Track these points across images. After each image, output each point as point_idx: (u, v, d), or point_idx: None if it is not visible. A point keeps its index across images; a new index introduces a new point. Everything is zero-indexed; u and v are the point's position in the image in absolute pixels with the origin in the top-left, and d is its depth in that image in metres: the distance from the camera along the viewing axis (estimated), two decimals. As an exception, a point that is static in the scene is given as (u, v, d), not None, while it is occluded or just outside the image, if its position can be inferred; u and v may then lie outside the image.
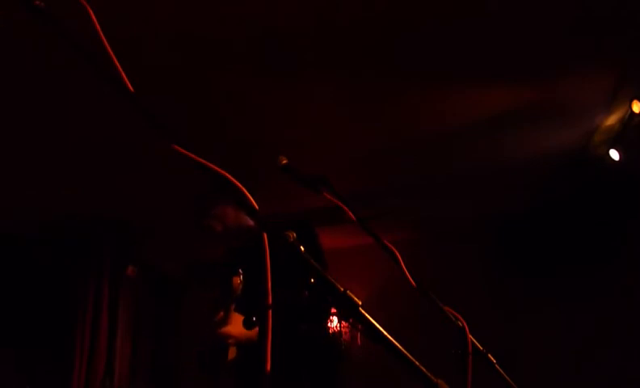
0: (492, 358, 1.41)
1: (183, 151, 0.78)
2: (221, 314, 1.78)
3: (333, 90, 3.07)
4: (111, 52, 0.80)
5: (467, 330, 1.33)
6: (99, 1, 0.90)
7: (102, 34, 0.81)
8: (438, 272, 4.33)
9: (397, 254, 1.38)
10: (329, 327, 4.79)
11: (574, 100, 3.29)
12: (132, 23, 2.40)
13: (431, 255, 5.01)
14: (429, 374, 0.77)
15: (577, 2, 2.41)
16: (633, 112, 3.16)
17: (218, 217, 2.11)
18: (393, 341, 0.76)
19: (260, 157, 2.66)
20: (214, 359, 1.86)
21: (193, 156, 0.78)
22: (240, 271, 1.78)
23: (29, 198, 4.21)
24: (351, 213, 1.48)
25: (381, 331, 0.76)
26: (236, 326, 1.78)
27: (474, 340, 1.36)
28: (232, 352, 1.85)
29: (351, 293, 0.76)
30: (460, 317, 1.37)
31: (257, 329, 1.76)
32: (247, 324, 1.73)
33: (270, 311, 0.86)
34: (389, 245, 1.41)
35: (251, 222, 2.12)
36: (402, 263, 1.37)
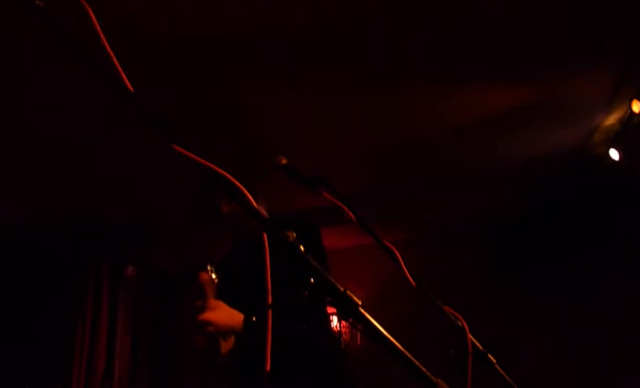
0: (492, 358, 1.41)
1: (183, 151, 0.78)
2: (199, 302, 1.73)
3: (333, 90, 3.07)
4: (111, 52, 0.80)
5: (467, 330, 1.33)
6: (99, 1, 0.90)
7: (102, 34, 0.81)
8: (438, 272, 4.33)
9: (397, 254, 1.38)
10: (329, 327, 4.78)
11: (574, 100, 3.29)
12: (132, 23, 2.40)
13: (431, 255, 5.00)
14: (429, 374, 0.77)
15: (577, 2, 2.41)
16: (632, 112, 3.16)
17: (227, 200, 2.05)
18: (393, 341, 0.76)
19: (260, 157, 2.66)
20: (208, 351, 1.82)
21: (193, 156, 0.78)
22: (208, 266, 1.75)
23: (29, 198, 4.21)
24: (351, 213, 1.47)
25: (380, 331, 0.76)
26: (216, 313, 1.70)
27: (474, 340, 1.36)
28: (225, 346, 1.79)
29: (351, 293, 0.76)
30: (460, 317, 1.37)
31: (241, 318, 1.73)
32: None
33: (270, 311, 0.86)
34: (389, 245, 1.41)
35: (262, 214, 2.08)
36: (402, 263, 1.37)
